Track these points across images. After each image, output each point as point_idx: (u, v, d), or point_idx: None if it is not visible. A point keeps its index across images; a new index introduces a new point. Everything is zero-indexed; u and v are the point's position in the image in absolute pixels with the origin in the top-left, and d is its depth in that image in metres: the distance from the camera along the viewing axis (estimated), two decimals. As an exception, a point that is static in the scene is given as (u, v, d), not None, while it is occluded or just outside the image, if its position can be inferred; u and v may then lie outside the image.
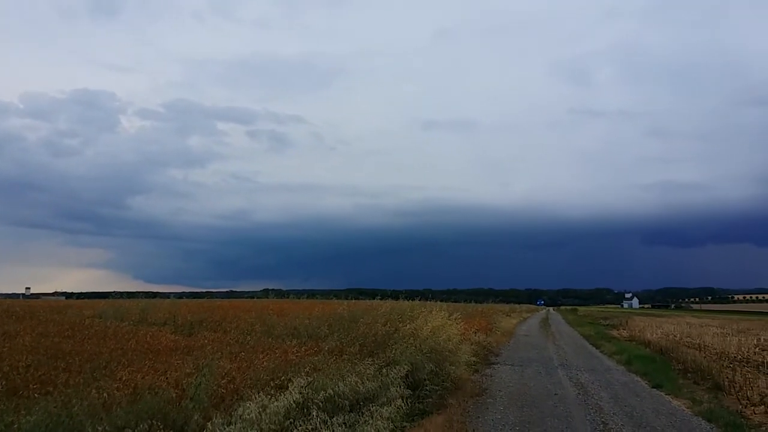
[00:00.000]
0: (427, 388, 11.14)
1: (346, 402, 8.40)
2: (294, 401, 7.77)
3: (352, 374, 9.28)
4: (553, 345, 26.21)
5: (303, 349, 11.90)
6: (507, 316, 48.49)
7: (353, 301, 22.89)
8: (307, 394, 8.10)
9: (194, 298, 56.58)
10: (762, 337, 30.10)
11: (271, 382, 8.65)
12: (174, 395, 7.53)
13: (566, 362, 19.03)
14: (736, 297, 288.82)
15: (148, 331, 15.05)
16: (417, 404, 10.41)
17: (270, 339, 14.04)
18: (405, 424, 8.96)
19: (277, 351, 11.74)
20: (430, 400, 10.82)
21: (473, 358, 16.21)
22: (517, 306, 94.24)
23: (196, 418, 6.97)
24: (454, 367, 12.83)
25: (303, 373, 9.08)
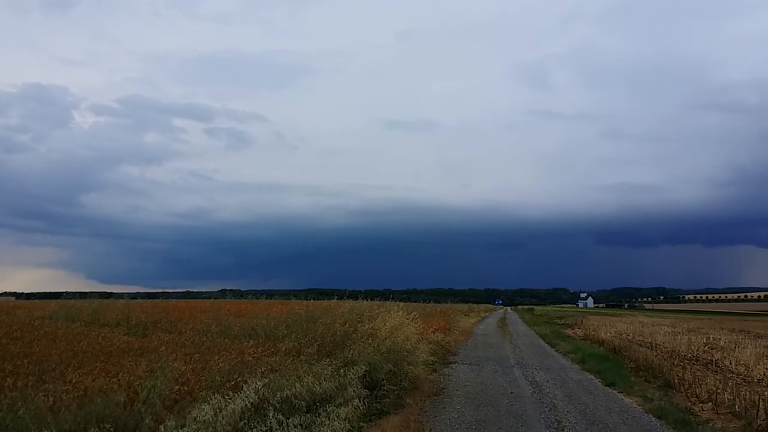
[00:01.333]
0: (385, 388, 11.15)
1: (303, 403, 8.35)
2: (250, 402, 7.68)
3: (309, 375, 9.22)
4: (510, 344, 26.54)
5: (260, 350, 11.76)
6: (465, 315, 48.92)
7: (313, 301, 22.74)
8: (263, 395, 8.02)
9: (149, 298, 55.57)
10: (711, 336, 31.05)
11: (227, 384, 8.53)
12: (125, 398, 7.36)
13: (522, 361, 19.29)
14: (686, 297, 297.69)
15: (100, 333, 14.66)
16: (374, 404, 10.41)
17: (226, 340, 13.85)
18: (362, 424, 8.94)
19: (233, 352, 11.57)
20: (388, 400, 10.83)
21: (431, 358, 16.31)
22: (475, 306, 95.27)
23: (147, 421, 6.82)
24: (412, 367, 12.86)
25: (259, 374, 8.98)
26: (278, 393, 8.14)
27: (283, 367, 9.87)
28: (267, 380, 8.68)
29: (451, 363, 17.79)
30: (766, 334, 37.28)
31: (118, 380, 8.36)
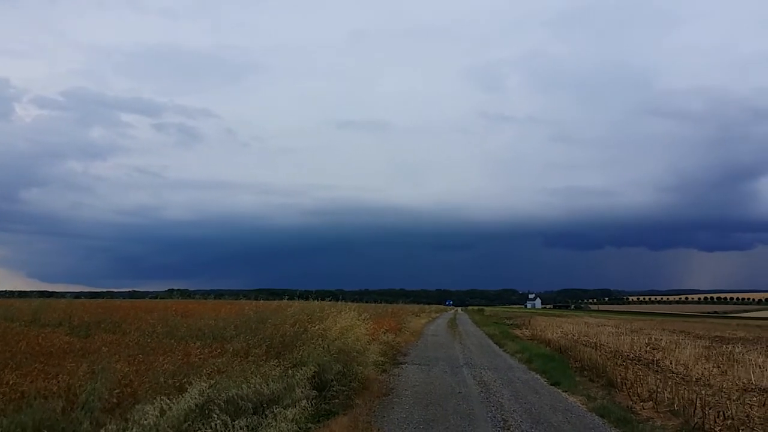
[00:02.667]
0: (334, 388, 11.10)
1: (250, 404, 8.23)
2: (194, 404, 7.52)
3: (256, 376, 9.10)
4: (460, 344, 26.78)
5: (207, 351, 11.55)
6: (416, 316, 49.18)
7: (263, 301, 22.49)
8: (209, 396, 7.87)
9: (93, 298, 54.02)
10: (653, 337, 32.02)
11: (171, 385, 8.35)
12: (64, 401, 7.11)
13: (471, 361, 19.49)
14: (630, 298, 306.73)
15: (40, 333, 14.16)
16: (323, 405, 10.35)
17: (172, 341, 13.55)
18: (310, 425, 8.88)
19: (179, 353, 11.33)
20: (337, 400, 10.79)
21: (382, 358, 16.33)
22: (426, 306, 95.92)
23: (85, 426, 6.61)
24: (362, 368, 12.85)
25: (205, 376, 8.81)
26: (224, 394, 8.00)
27: (231, 369, 9.71)
28: (213, 381, 8.52)
29: (401, 363, 17.84)
30: (705, 335, 38.66)
31: (58, 381, 8.08)
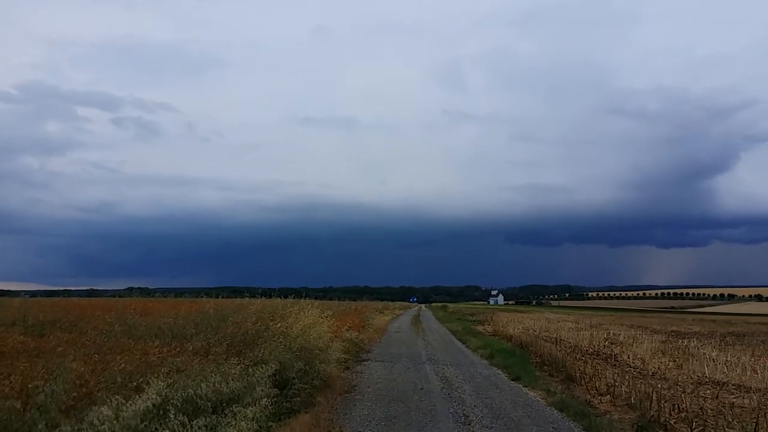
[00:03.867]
0: (296, 386, 11.04)
1: (209, 403, 8.11)
2: (152, 404, 7.39)
3: (216, 374, 8.98)
4: (423, 341, 26.92)
5: (166, 350, 11.36)
6: (380, 313, 49.28)
7: (224, 299, 22.20)
8: (166, 396, 7.73)
9: (50, 296, 52.70)
10: (611, 332, 32.65)
11: (128, 385, 8.19)
12: (18, 403, 6.91)
13: (434, 357, 19.60)
14: (590, 294, 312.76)
15: (-8, 333, 13.76)
16: (285, 403, 10.29)
17: (131, 340, 13.29)
18: (271, 423, 8.80)
19: (137, 352, 11.11)
20: (299, 398, 10.73)
21: (344, 356, 16.32)
22: (390, 303, 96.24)
23: (40, 427, 6.43)
24: (324, 365, 12.81)
25: (163, 375, 8.66)
26: (182, 394, 7.87)
27: (190, 367, 9.57)
28: (171, 381, 8.38)
29: (364, 360, 17.85)
30: (661, 329, 39.62)
31: (10, 382, 7.85)
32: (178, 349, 11.60)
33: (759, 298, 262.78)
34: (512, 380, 14.73)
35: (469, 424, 9.71)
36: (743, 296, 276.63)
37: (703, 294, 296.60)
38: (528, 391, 13.15)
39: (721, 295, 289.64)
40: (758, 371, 15.81)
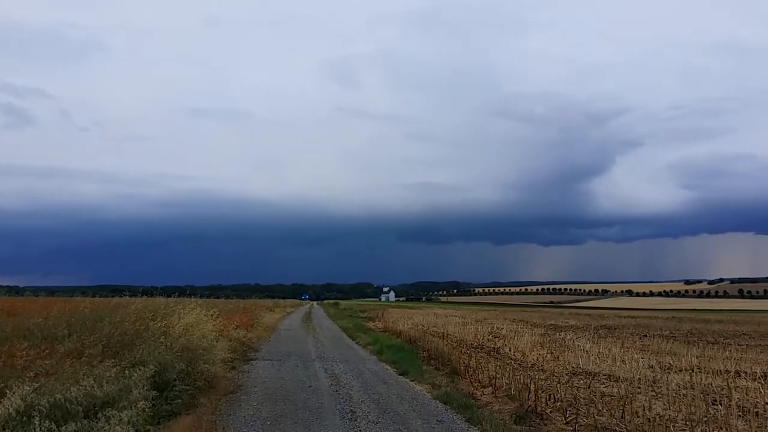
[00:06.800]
0: (177, 388, 10.59)
1: (80, 408, 7.63)
2: (14, 410, 6.85)
3: (89, 377, 8.47)
4: (313, 338, 26.79)
5: (34, 352, 10.58)
6: (270, 311, 48.58)
7: (102, 298, 21.07)
8: (32, 401, 7.20)
9: None
10: (495, 326, 33.99)
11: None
12: None
13: (323, 354, 19.54)
14: (477, 290, 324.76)
15: None
16: (165, 406, 9.84)
17: (-6, 342, 12.29)
18: (149, 427, 8.42)
19: (2, 355, 10.30)
20: (180, 400, 10.31)
21: (231, 355, 15.89)
22: (281, 301, 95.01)
23: None
24: (208, 365, 12.41)
25: (29, 379, 8.06)
26: (49, 398, 7.35)
27: (61, 370, 8.98)
28: (38, 385, 7.81)
29: (252, 360, 17.49)
30: (541, 323, 41.72)
31: None
32: (48, 351, 10.86)
33: (630, 293, 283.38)
34: (400, 375, 14.95)
35: (356, 420, 9.74)
36: (616, 292, 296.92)
37: (580, 290, 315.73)
38: (415, 385, 13.38)
39: (596, 290, 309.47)
40: (626, 362, 16.97)
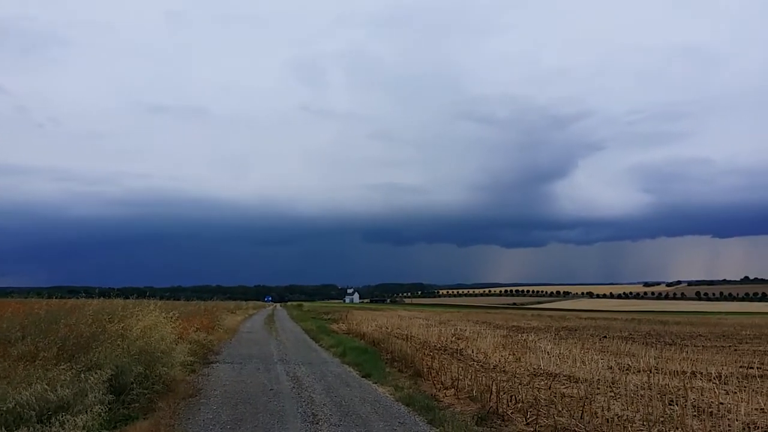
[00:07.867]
0: (135, 391, 10.40)
1: (33, 413, 7.42)
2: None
3: (43, 381, 8.24)
4: (276, 341, 26.59)
5: (-15, 356, 10.28)
6: (232, 313, 48.01)
7: (57, 300, 20.51)
8: (-20, 407, 6.98)
9: None
10: (458, 328, 34.21)
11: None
12: None
13: (286, 357, 19.40)
14: (441, 292, 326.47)
15: None
16: (122, 410, 9.66)
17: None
18: (104, 431, 8.24)
19: (-50, 360, 9.96)
20: (137, 404, 10.14)
21: (191, 358, 15.67)
22: (244, 303, 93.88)
23: None
24: (167, 369, 12.20)
25: (-21, 383, 7.82)
26: (1, 404, 7.13)
27: (14, 374, 8.72)
28: (-12, 389, 7.58)
29: (212, 363, 17.26)
30: (503, 325, 42.13)
31: None
32: (0, 354, 10.55)
33: (590, 295, 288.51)
34: (363, 377, 14.92)
35: (317, 423, 9.68)
36: (577, 293, 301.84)
37: (542, 291, 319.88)
38: (377, 388, 13.37)
39: (558, 292, 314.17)
40: (586, 363, 17.23)
